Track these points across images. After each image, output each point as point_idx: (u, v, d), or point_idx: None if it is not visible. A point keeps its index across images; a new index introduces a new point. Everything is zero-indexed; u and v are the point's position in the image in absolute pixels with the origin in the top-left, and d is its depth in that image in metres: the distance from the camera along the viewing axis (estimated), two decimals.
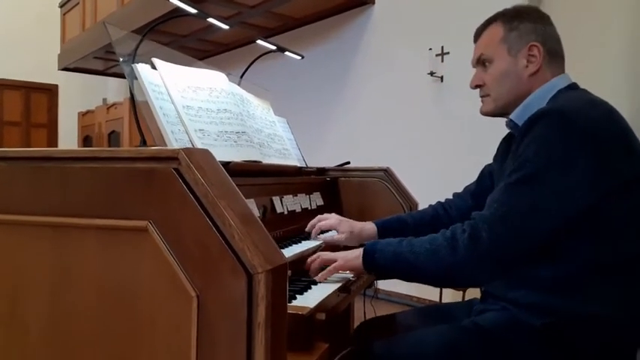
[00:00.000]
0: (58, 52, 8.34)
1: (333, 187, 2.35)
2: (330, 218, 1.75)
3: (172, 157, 0.75)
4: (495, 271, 1.19)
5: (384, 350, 1.36)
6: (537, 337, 1.19)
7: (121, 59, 1.23)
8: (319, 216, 1.79)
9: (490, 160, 1.66)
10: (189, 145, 1.28)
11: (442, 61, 4.21)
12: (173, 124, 1.26)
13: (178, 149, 0.75)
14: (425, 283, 1.30)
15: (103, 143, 7.87)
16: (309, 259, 1.44)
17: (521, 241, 1.15)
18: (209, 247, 0.73)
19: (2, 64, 8.70)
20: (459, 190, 1.78)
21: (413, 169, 3.49)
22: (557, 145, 1.14)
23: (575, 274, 1.17)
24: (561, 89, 1.31)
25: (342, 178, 2.37)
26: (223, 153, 1.40)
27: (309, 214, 2.01)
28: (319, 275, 1.39)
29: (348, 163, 2.49)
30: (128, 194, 0.78)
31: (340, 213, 2.26)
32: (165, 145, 1.22)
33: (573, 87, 1.33)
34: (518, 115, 1.35)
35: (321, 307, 1.20)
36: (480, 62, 1.43)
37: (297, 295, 1.21)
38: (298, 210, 1.93)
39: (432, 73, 4.27)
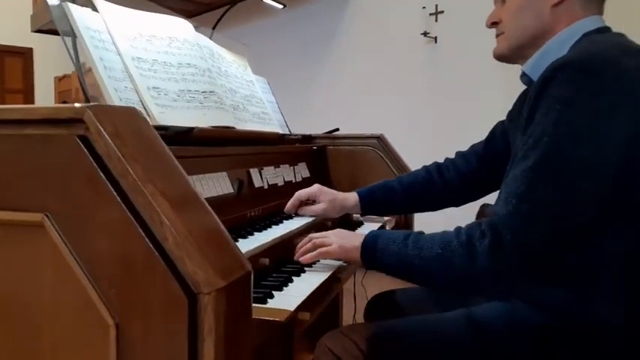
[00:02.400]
0: (31, 12, 7.86)
1: (320, 157, 2.11)
2: (310, 188, 1.54)
3: (76, 120, 0.50)
4: (521, 282, 0.99)
5: (371, 333, 1.16)
6: (536, 339, 1.02)
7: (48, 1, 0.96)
8: (297, 192, 1.56)
9: (491, 125, 1.44)
10: (140, 107, 1.03)
11: (436, 20, 4.02)
12: (118, 80, 1.00)
13: (84, 107, 0.50)
14: (434, 290, 1.09)
15: None
16: (299, 244, 1.21)
17: (553, 243, 0.93)
18: (132, 254, 0.49)
19: None
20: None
21: (405, 136, 3.30)
22: (581, 108, 0.90)
23: (598, 266, 0.98)
24: (588, 32, 1.04)
25: (331, 147, 2.14)
26: (186, 116, 1.15)
27: (293, 187, 1.77)
28: (304, 257, 1.16)
29: (337, 130, 2.26)
30: (16, 174, 0.53)
31: (329, 185, 2.04)
32: None
33: (604, 30, 1.07)
34: (533, 65, 1.09)
35: (305, 304, 0.98)
36: None
37: (274, 293, 0.97)
38: (281, 183, 1.69)
39: (425, 34, 4.07)
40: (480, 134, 1.46)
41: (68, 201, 0.51)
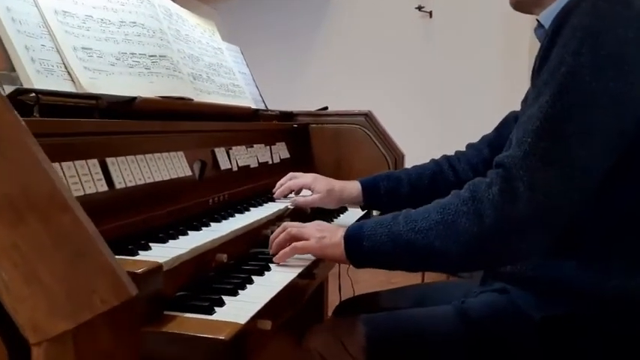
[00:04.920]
0: None
1: (302, 136, 1.92)
2: (304, 176, 1.38)
3: None
4: (543, 238, 0.82)
5: (358, 329, 1.05)
6: (539, 334, 0.90)
7: None
8: (291, 173, 1.40)
9: (491, 112, 1.29)
10: (61, 70, 0.83)
11: None
12: (32, 36, 0.80)
13: None
14: (440, 270, 0.96)
15: None
16: (272, 235, 1.04)
17: (576, 186, 0.79)
18: None
19: None
20: (451, 138, 1.40)
21: (397, 115, 3.14)
22: (607, 35, 0.79)
23: (618, 227, 0.87)
24: None
25: (314, 125, 1.95)
26: (126, 83, 0.95)
27: (269, 169, 1.59)
28: (277, 257, 1.00)
29: (326, 108, 2.08)
30: None
31: (312, 167, 1.87)
32: (14, 71, 0.77)
33: None
34: (549, 15, 0.95)
35: (265, 311, 0.80)
36: None
37: (226, 299, 0.79)
38: (254, 165, 1.50)
39: (419, 8, 3.90)
40: (477, 113, 1.33)
41: None
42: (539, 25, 0.98)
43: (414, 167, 1.38)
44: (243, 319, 0.71)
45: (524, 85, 1.03)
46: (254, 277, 0.90)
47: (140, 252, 0.79)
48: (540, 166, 0.77)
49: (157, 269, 0.70)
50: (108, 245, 0.80)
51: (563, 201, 0.79)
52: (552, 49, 0.82)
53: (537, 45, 0.93)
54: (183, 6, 1.44)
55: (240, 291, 0.84)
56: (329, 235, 0.97)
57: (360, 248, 0.91)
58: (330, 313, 2.15)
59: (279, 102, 2.06)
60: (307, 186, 1.35)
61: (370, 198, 1.33)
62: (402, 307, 1.19)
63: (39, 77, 0.77)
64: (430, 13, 3.83)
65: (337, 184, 1.33)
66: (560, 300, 0.89)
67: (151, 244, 0.83)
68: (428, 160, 1.39)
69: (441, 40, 3.78)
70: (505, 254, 0.85)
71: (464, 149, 1.38)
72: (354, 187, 1.33)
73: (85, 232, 0.35)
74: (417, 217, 0.86)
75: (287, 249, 0.99)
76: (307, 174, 1.38)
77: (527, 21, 3.33)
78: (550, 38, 0.83)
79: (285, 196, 1.39)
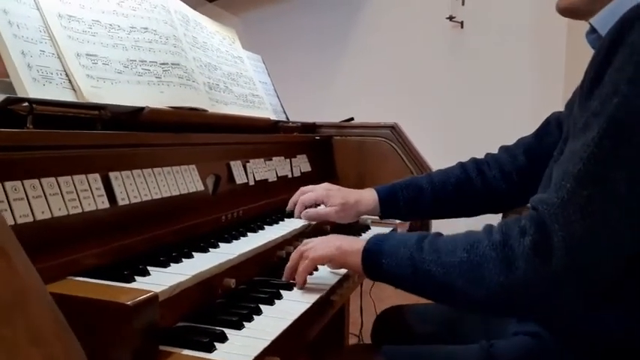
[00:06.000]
0: None
1: (324, 149, 1.84)
2: (315, 189, 1.27)
3: None
4: (577, 297, 0.73)
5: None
6: None
7: None
8: (302, 188, 1.31)
9: (524, 125, 1.19)
10: (62, 78, 0.77)
11: (462, 4, 3.76)
12: (30, 42, 0.75)
13: None
14: (458, 308, 0.93)
15: None
16: (288, 265, 0.97)
17: (620, 243, 0.70)
18: None
19: None
20: (482, 152, 1.29)
21: (427, 127, 3.04)
22: None
23: None
24: None
25: (338, 137, 1.88)
26: (135, 93, 0.89)
27: (289, 183, 1.51)
28: (298, 279, 0.95)
29: (352, 119, 2.02)
30: None
31: (334, 181, 1.81)
32: (7, 77, 0.71)
33: None
34: (603, 20, 0.85)
35: (274, 347, 0.72)
36: None
37: (229, 333, 0.71)
38: (272, 179, 1.43)
39: (450, 18, 3.88)
40: (509, 125, 1.22)
41: None
42: (592, 29, 0.87)
43: (438, 172, 1.27)
44: (246, 359, 0.63)
45: (558, 97, 0.94)
46: (263, 307, 0.82)
47: (137, 278, 0.72)
48: (579, 219, 0.67)
49: (151, 300, 0.63)
50: (101, 269, 0.75)
51: (604, 260, 0.69)
52: (607, 68, 0.71)
53: (575, 55, 0.83)
54: (204, 13, 1.38)
55: (245, 323, 0.76)
56: (347, 242, 0.93)
57: (378, 265, 0.85)
58: (350, 333, 2.07)
59: (307, 113, 1.99)
60: (320, 200, 1.25)
61: (388, 209, 1.24)
62: (430, 331, 1.15)
63: (35, 85, 0.72)
64: (461, 23, 3.78)
65: (352, 197, 1.23)
66: (596, 353, 0.81)
67: (150, 269, 0.76)
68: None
69: (472, 51, 3.73)
70: (532, 308, 0.77)
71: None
72: (370, 197, 1.23)
73: (20, 284, 0.28)
74: (443, 248, 0.79)
75: (306, 262, 0.93)
76: (318, 185, 1.28)
77: (562, 32, 3.21)
78: (605, 54, 0.72)
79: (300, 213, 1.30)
